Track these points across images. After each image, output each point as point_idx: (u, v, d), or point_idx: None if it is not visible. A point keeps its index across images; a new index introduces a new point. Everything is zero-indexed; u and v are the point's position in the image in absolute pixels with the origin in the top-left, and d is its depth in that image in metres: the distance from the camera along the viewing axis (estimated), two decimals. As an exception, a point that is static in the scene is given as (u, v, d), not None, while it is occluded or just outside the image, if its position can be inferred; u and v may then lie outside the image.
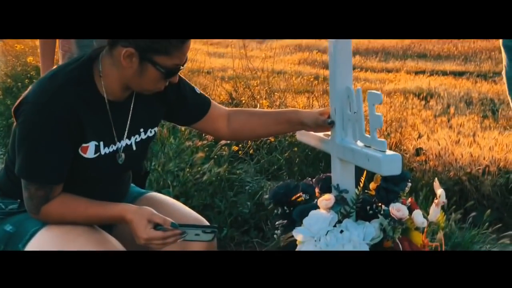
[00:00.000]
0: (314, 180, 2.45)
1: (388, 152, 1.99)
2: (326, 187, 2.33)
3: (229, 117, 2.41)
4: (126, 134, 2.19)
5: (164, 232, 2.05)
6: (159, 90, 2.12)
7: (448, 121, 5.81)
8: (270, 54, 6.74)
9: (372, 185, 2.30)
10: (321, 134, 2.39)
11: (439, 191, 1.96)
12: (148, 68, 2.01)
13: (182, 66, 2.07)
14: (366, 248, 2.10)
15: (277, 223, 2.43)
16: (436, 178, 2.03)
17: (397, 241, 2.12)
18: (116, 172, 2.23)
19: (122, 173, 2.28)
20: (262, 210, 3.56)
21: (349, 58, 2.20)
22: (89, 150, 2.10)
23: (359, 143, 2.13)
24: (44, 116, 1.99)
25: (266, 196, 2.41)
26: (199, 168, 3.77)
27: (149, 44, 1.97)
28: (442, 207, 1.99)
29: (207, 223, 2.33)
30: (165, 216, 2.08)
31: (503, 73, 2.44)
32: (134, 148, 2.22)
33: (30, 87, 2.08)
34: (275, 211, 2.45)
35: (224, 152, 3.99)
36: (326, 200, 2.21)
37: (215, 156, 3.88)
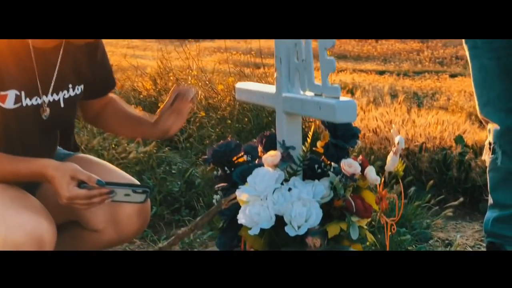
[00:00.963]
0: (257, 138, 2.28)
1: (342, 98, 1.83)
2: (271, 146, 2.15)
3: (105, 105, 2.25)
4: (52, 87, 1.97)
5: (89, 191, 1.84)
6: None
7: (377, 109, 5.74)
8: (188, 56, 6.50)
9: (320, 143, 2.14)
10: (264, 88, 2.22)
11: (397, 138, 1.81)
12: None
13: None
14: (317, 206, 1.93)
15: (216, 186, 2.24)
16: (394, 125, 1.88)
17: (349, 198, 1.96)
18: (40, 128, 2.00)
19: (48, 131, 2.05)
20: (193, 188, 3.36)
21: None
22: (8, 99, 1.88)
23: (308, 93, 1.97)
24: None
25: (205, 157, 2.21)
26: (125, 146, 3.54)
27: None
28: (400, 155, 1.84)
29: (138, 183, 2.12)
30: (91, 173, 1.87)
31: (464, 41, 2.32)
32: (63, 105, 2.01)
33: None
34: (215, 172, 2.26)
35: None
36: (271, 156, 2.03)
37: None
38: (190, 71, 4.51)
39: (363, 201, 1.99)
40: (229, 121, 3.52)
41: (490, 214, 2.34)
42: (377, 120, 4.05)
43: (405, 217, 2.92)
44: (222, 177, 2.21)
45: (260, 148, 2.20)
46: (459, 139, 3.74)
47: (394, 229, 1.88)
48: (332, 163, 2.07)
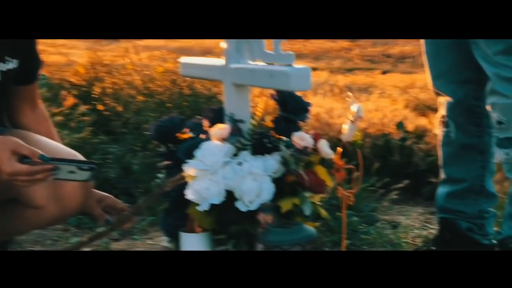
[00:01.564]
0: (202, 113, 2.18)
1: (296, 65, 1.75)
2: (218, 120, 2.05)
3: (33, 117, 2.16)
4: None
5: (32, 166, 1.71)
6: None
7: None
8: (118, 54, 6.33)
9: (269, 117, 2.06)
10: (210, 62, 2.12)
11: (355, 106, 1.74)
12: None
13: None
14: (269, 181, 1.85)
15: (160, 164, 2.13)
16: (350, 93, 1.81)
17: (302, 173, 1.88)
18: None
19: None
20: (131, 175, 3.23)
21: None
22: None
23: (259, 63, 1.88)
24: None
25: (148, 133, 2.10)
26: (59, 132, 3.38)
27: None
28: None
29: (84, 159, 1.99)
30: (34, 148, 1.74)
31: None
32: (0, 78, 1.88)
33: None
34: (158, 149, 2.15)
35: (85, 118, 3.62)
36: (220, 129, 1.94)
37: (75, 119, 3.51)
38: (124, 59, 4.34)
39: (316, 176, 1.92)
40: (169, 104, 3.40)
41: (442, 190, 2.29)
42: (321, 107, 4.01)
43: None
44: (166, 155, 2.10)
45: (206, 123, 2.10)
46: (400, 125, 3.72)
47: (352, 201, 1.81)
48: (283, 138, 2.00)
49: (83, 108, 3.69)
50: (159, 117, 3.45)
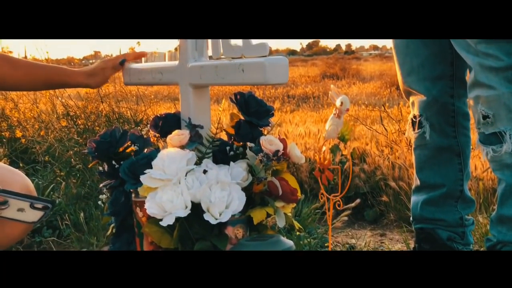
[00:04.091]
0: (150, 123, 1.95)
1: (270, 56, 1.57)
2: (169, 128, 1.83)
3: None
4: None
5: None
6: None
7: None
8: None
9: (229, 123, 1.86)
10: (160, 64, 1.91)
11: (340, 98, 1.55)
12: None
13: None
14: (239, 189, 1.64)
15: (101, 184, 1.89)
16: (332, 86, 1.63)
17: (274, 180, 1.69)
18: None
19: None
20: (55, 207, 2.94)
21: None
22: None
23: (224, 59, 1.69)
24: None
25: (85, 151, 1.86)
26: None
27: None
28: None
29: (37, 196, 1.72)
30: None
31: None
32: None
33: None
34: (100, 168, 1.90)
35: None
36: (178, 135, 1.72)
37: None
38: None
39: (288, 184, 1.73)
40: (97, 128, 3.12)
41: (417, 198, 2.12)
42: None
43: (300, 222, 2.69)
44: (109, 173, 1.85)
45: (152, 133, 1.89)
46: (335, 148, 3.58)
47: (340, 205, 1.62)
48: (248, 144, 1.80)
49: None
50: (85, 144, 3.20)
